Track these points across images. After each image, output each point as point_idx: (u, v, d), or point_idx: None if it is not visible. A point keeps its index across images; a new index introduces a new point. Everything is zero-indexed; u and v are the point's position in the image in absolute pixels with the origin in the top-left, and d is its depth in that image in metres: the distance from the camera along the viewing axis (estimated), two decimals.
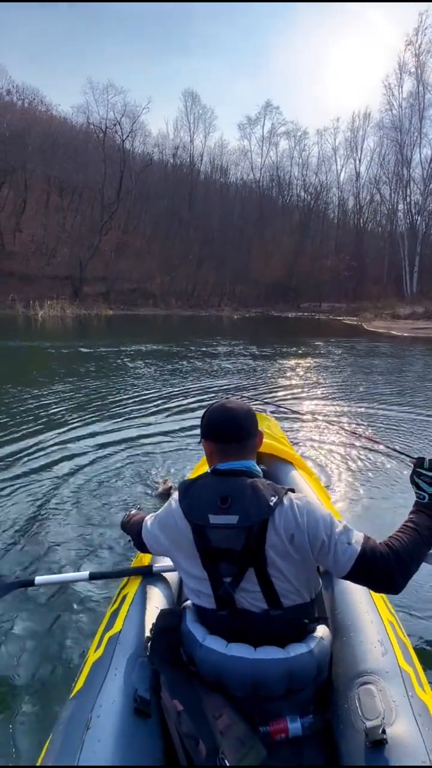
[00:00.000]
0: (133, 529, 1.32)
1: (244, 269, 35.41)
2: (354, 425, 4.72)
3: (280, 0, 54.58)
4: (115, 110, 32.57)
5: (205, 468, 2.61)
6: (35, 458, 3.69)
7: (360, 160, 39.07)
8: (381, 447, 3.17)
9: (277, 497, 0.98)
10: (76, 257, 28.61)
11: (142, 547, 1.26)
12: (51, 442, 4.06)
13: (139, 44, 57.98)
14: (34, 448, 3.92)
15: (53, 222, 30.88)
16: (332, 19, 62.32)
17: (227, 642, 0.99)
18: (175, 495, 1.10)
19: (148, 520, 1.22)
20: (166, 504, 1.15)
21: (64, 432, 4.40)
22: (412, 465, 1.17)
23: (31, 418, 4.88)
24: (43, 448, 3.91)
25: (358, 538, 0.98)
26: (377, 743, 0.82)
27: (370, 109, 38.68)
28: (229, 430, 1.09)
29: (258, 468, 1.11)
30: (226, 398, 1.18)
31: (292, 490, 1.04)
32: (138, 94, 42.67)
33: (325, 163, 40.23)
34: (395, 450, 2.28)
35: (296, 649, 0.97)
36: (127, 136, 33.06)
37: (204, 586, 1.03)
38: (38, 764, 0.86)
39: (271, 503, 0.97)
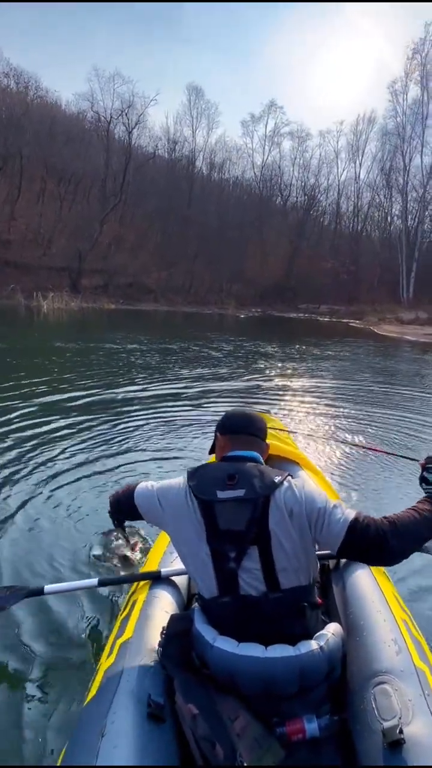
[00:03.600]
0: (121, 497, 1.36)
1: (241, 268, 35.20)
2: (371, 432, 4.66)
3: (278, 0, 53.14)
4: (122, 100, 31.91)
5: None
6: (43, 464, 3.60)
7: (361, 164, 39.34)
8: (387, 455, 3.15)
9: (280, 477, 1.07)
10: (74, 248, 27.88)
11: (132, 512, 1.28)
12: (61, 447, 3.97)
13: (134, 33, 56.71)
14: (43, 453, 3.81)
15: (50, 211, 30.01)
16: (323, 22, 62.31)
17: (238, 642, 1.00)
18: (181, 477, 1.18)
19: (143, 484, 1.29)
20: (177, 478, 1.20)
21: (77, 436, 4.28)
22: (420, 466, 1.23)
23: (44, 420, 4.70)
24: (52, 454, 3.81)
25: (351, 511, 1.05)
26: (395, 743, 0.81)
27: (375, 114, 38.45)
28: (241, 423, 1.23)
29: (261, 459, 1.20)
30: (241, 407, 1.28)
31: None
32: (138, 86, 41.90)
33: (326, 165, 40.30)
34: (401, 456, 2.28)
35: (307, 647, 0.98)
36: (135, 126, 32.35)
37: (206, 568, 1.06)
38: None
39: (275, 480, 1.06)
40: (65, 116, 33.30)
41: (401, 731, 0.82)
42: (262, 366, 9.00)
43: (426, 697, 0.91)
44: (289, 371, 8.53)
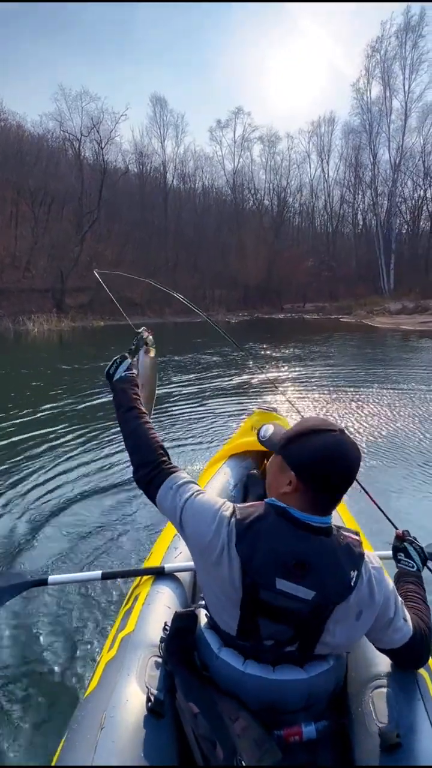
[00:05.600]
0: (145, 442, 1.07)
1: (222, 274, 35.29)
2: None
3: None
4: (91, 117, 31.72)
5: (217, 467, 2.30)
6: (49, 458, 3.73)
7: (328, 162, 40.07)
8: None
9: (356, 572, 0.86)
10: (54, 269, 27.46)
11: (148, 486, 1.02)
12: (67, 440, 4.11)
13: (85, 52, 56.71)
14: (48, 448, 3.95)
15: (25, 233, 29.51)
16: (269, 25, 63.66)
17: (244, 658, 0.93)
18: (226, 507, 0.92)
19: (173, 480, 1.00)
20: (212, 502, 0.94)
21: (81, 431, 4.45)
22: (396, 536, 1.17)
23: (50, 417, 4.97)
24: (57, 448, 3.95)
25: (410, 620, 0.94)
26: (392, 747, 0.82)
27: (335, 114, 39.44)
28: (346, 477, 0.86)
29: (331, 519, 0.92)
30: (339, 430, 0.88)
31: (357, 535, 0.91)
32: (105, 102, 41.76)
33: (296, 166, 40.90)
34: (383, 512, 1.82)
35: (316, 668, 0.92)
36: (107, 143, 32.16)
37: (230, 618, 0.90)
38: (53, 764, 0.84)
39: (352, 582, 0.85)
40: (32, 137, 32.92)
41: (398, 735, 0.83)
42: (278, 366, 8.96)
43: (424, 702, 0.91)
44: (311, 371, 8.46)
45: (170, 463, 1.05)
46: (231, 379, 7.65)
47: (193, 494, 0.97)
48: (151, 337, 1.49)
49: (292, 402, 5.80)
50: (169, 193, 37.79)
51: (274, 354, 11.18)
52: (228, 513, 0.91)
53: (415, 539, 1.18)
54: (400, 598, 0.94)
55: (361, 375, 7.88)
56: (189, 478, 1.03)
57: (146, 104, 40.62)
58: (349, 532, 0.91)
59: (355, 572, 0.86)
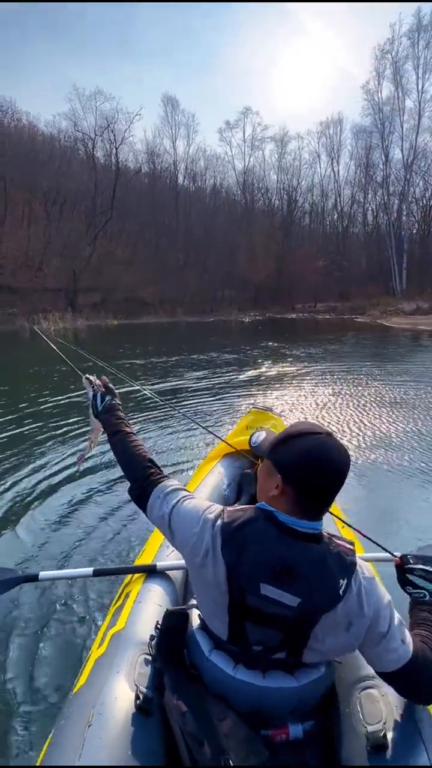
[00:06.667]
0: (133, 459, 1.13)
1: (232, 273, 35.29)
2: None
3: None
4: (105, 117, 31.93)
5: (211, 466, 2.32)
6: (42, 455, 3.75)
7: (338, 161, 39.96)
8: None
9: (346, 581, 0.83)
10: (67, 268, 27.56)
11: (139, 499, 1.06)
12: (62, 437, 4.16)
13: (88, 53, 56.90)
14: (43, 445, 3.98)
15: (38, 233, 29.64)
16: (274, 26, 63.61)
17: (234, 663, 0.92)
18: (212, 510, 0.92)
19: (163, 488, 1.03)
20: (198, 506, 0.95)
21: (78, 430, 4.45)
22: (396, 566, 1.08)
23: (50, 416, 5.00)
24: (52, 445, 4.01)
25: (410, 642, 0.86)
26: (378, 748, 0.82)
27: (342, 114, 39.48)
28: (334, 481, 0.83)
29: (321, 525, 0.88)
30: (325, 433, 0.87)
31: (351, 544, 0.88)
32: (120, 102, 41.83)
33: (307, 166, 40.84)
34: (377, 543, 1.71)
35: (307, 676, 0.91)
36: (121, 143, 32.25)
37: (220, 621, 0.90)
38: (39, 762, 0.83)
39: (341, 590, 0.82)
40: (45, 137, 33.07)
41: (385, 736, 0.83)
42: (301, 368, 8.90)
43: (412, 703, 0.91)
44: (338, 372, 8.37)
45: (159, 474, 1.08)
46: (231, 378, 7.61)
47: (180, 500, 0.99)
48: (103, 379, 1.46)
49: (292, 401, 5.85)
50: (179, 192, 37.83)
51: (299, 353, 11.13)
52: (213, 516, 0.91)
53: (417, 559, 1.06)
54: (398, 617, 0.87)
55: (379, 374, 7.81)
56: (177, 485, 1.04)
57: (157, 104, 40.23)
58: (342, 540, 0.88)
59: (345, 581, 0.83)
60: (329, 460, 0.83)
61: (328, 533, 0.88)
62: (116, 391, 1.42)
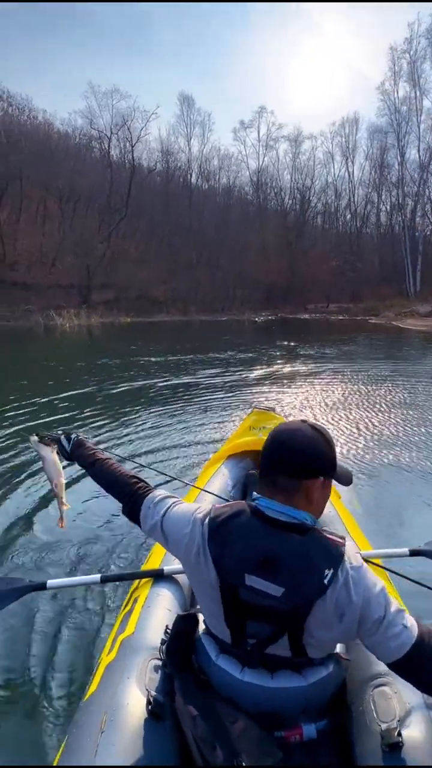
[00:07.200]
0: (117, 481, 1.15)
1: (244, 273, 35.22)
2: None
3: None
4: (121, 115, 32.01)
5: (216, 468, 2.32)
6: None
7: (353, 161, 39.68)
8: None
9: (332, 571, 0.83)
10: (81, 265, 27.70)
11: (132, 514, 1.08)
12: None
13: (101, 51, 57.09)
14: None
15: (52, 230, 29.85)
16: (286, 24, 63.39)
17: (242, 666, 0.92)
18: (201, 510, 0.95)
19: (160, 499, 1.05)
20: (188, 509, 0.99)
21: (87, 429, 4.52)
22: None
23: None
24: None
25: (414, 625, 0.84)
26: (393, 746, 0.81)
27: (359, 114, 39.05)
28: (277, 455, 0.90)
29: (313, 519, 0.90)
30: (301, 420, 0.96)
31: (343, 538, 0.88)
32: (137, 100, 41.87)
33: (321, 166, 40.61)
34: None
35: (315, 675, 0.91)
36: (137, 141, 32.35)
37: (219, 620, 0.91)
38: (54, 766, 0.85)
39: (326, 580, 0.82)
40: (60, 135, 33.28)
41: (399, 734, 0.82)
42: (314, 367, 8.87)
43: (425, 700, 0.91)
44: (350, 373, 8.32)
45: (146, 487, 1.11)
46: (244, 377, 7.62)
47: (170, 506, 1.02)
48: (40, 434, 1.45)
49: (303, 401, 5.84)
50: (192, 191, 37.85)
51: (313, 353, 11.09)
52: (202, 515, 0.94)
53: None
54: (396, 603, 0.86)
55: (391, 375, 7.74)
56: (166, 494, 1.07)
57: (173, 103, 40.16)
58: (332, 534, 0.88)
59: (331, 571, 0.83)
60: (284, 435, 0.92)
61: (319, 528, 0.89)
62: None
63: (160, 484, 3.35)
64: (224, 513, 0.91)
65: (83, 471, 2.82)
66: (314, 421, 0.97)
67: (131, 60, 59.27)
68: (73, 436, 1.38)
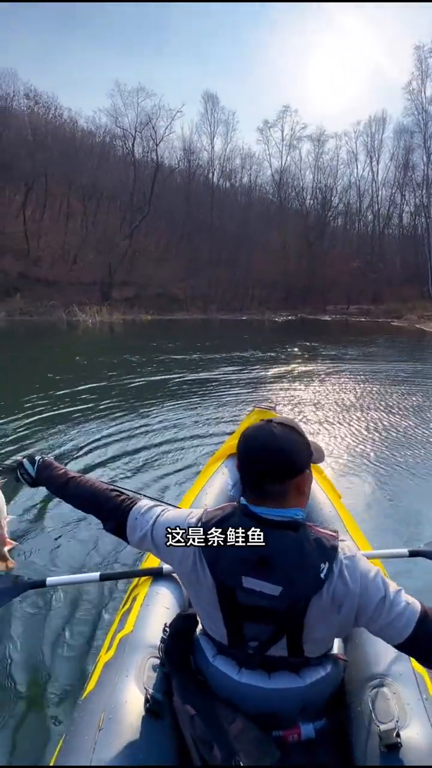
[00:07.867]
0: (96, 496, 1.08)
1: (265, 273, 35.08)
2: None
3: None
4: (146, 114, 32.16)
5: (216, 467, 2.25)
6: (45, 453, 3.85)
7: (378, 161, 39.17)
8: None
9: (327, 564, 0.83)
10: (103, 262, 27.98)
11: (118, 529, 1.03)
12: (66, 438, 4.19)
13: (119, 48, 57.15)
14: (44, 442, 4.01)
15: (75, 227, 30.24)
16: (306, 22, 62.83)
17: (239, 667, 0.92)
18: (193, 515, 0.95)
19: (147, 508, 1.02)
20: (178, 515, 0.98)
21: (93, 431, 4.48)
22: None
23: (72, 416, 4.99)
24: (52, 444, 3.98)
25: (415, 601, 0.85)
26: (391, 746, 0.82)
27: (386, 113, 38.46)
28: (260, 466, 0.87)
29: (303, 513, 0.90)
30: (271, 422, 0.92)
31: (335, 532, 0.89)
32: (162, 99, 42.03)
33: (344, 166, 40.20)
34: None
35: (312, 675, 0.91)
36: (161, 140, 32.49)
37: (216, 622, 0.91)
38: (52, 765, 0.85)
39: (322, 574, 0.82)
40: (84, 133, 33.64)
41: (398, 734, 0.83)
42: (332, 367, 8.84)
43: (424, 702, 0.91)
44: (370, 373, 8.28)
45: (130, 499, 1.07)
46: (252, 376, 7.64)
47: (159, 514, 1.00)
48: None
49: (318, 400, 5.88)
50: (213, 190, 37.85)
51: (335, 353, 11.01)
52: (194, 520, 0.93)
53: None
54: (393, 584, 0.87)
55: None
56: (152, 503, 1.05)
57: (198, 101, 40.07)
58: (325, 529, 0.89)
59: (326, 565, 0.83)
60: (257, 438, 0.88)
61: (314, 524, 0.90)
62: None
63: (168, 474, 3.36)
64: (216, 516, 0.91)
65: (89, 468, 2.78)
66: (278, 417, 0.95)
67: (156, 60, 59.49)
68: (37, 458, 1.25)
